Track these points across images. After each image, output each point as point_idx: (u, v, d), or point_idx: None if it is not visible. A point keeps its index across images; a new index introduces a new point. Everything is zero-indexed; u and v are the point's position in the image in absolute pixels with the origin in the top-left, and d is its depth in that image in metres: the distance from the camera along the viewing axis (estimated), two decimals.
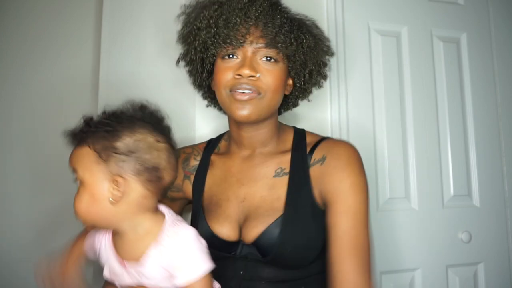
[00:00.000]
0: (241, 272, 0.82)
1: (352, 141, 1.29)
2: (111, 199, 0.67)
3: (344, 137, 1.30)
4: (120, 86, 1.26)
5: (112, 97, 1.29)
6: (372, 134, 1.34)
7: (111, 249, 0.74)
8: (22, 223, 1.27)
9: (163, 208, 0.76)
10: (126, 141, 0.68)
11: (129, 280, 0.72)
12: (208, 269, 0.70)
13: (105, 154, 0.67)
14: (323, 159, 0.84)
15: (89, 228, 0.79)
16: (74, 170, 0.70)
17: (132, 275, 0.71)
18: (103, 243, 0.76)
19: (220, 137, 1.02)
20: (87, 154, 0.68)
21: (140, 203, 0.70)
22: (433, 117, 1.41)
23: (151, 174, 0.70)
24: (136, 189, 0.69)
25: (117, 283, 0.75)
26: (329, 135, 1.29)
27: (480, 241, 1.38)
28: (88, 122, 0.71)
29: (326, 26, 1.33)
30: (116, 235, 0.74)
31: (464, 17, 1.49)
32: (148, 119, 0.73)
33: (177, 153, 0.78)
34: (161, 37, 1.26)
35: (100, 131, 0.68)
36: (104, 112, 0.73)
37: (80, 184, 0.69)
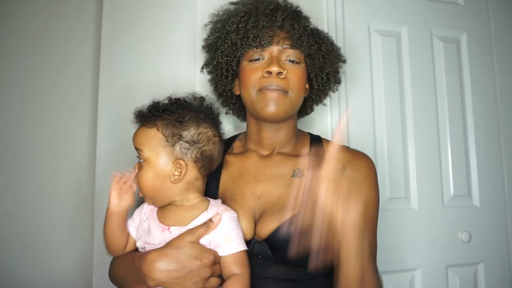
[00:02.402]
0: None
1: (352, 140, 1.29)
2: (172, 178, 0.78)
3: (344, 137, 1.30)
4: (120, 86, 1.26)
5: (112, 97, 1.30)
6: (372, 133, 1.34)
7: (155, 219, 0.82)
8: None
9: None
10: (192, 132, 0.80)
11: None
12: (245, 247, 0.78)
13: (173, 139, 0.78)
14: (343, 169, 0.88)
15: (149, 203, 0.84)
16: (139, 150, 0.80)
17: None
18: (144, 216, 0.84)
19: (232, 139, 1.03)
20: (155, 136, 0.79)
21: (193, 183, 0.82)
22: (433, 117, 1.41)
23: (205, 162, 0.82)
24: (192, 172, 0.81)
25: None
26: (329, 135, 1.29)
27: (480, 241, 1.38)
28: (157, 106, 0.81)
29: (326, 26, 1.33)
30: (160, 210, 0.83)
31: (464, 17, 1.49)
32: (208, 113, 0.85)
33: (223, 145, 0.88)
34: (161, 37, 1.26)
35: (170, 118, 0.79)
36: (171, 99, 0.84)
37: (144, 162, 0.79)
